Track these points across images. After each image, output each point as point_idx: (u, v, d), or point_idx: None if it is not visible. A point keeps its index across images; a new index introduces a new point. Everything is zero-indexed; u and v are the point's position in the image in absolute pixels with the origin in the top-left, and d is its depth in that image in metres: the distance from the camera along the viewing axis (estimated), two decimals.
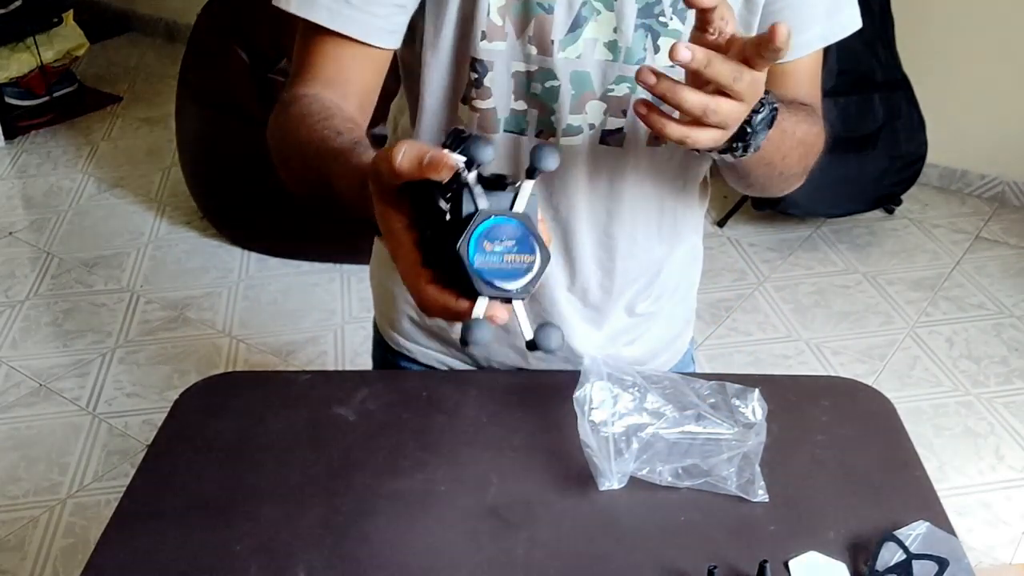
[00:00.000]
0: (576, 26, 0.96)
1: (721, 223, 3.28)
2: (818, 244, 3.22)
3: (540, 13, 0.96)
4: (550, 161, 0.62)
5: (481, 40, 0.97)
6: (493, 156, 0.61)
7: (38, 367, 2.69)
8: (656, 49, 0.98)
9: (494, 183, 0.62)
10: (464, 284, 0.61)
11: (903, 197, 3.28)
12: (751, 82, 0.78)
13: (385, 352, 1.27)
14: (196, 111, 3.08)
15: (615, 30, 0.97)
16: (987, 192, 3.44)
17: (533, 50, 0.98)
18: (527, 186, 0.62)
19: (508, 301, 0.62)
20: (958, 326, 2.83)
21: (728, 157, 0.91)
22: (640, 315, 1.19)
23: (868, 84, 3.07)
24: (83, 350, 2.75)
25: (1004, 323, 2.84)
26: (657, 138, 1.02)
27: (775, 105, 0.90)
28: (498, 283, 0.61)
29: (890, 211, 3.35)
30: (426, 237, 0.64)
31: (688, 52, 0.74)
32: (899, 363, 2.68)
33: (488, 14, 0.96)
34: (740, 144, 0.89)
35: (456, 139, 0.62)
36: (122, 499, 1.01)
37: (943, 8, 3.26)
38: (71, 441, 2.43)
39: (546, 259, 0.62)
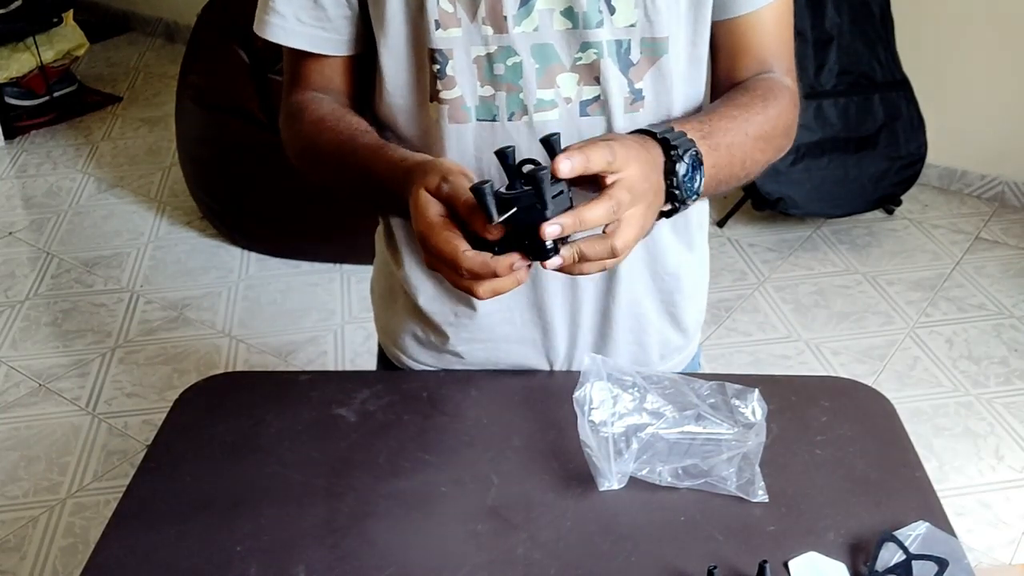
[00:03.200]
0: None
1: (721, 223, 3.28)
2: (818, 244, 3.22)
3: None
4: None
5: (436, 30, 0.97)
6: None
7: (38, 367, 2.69)
8: (612, 10, 0.96)
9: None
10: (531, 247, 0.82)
11: (903, 197, 3.28)
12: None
13: (387, 368, 1.25)
14: (196, 111, 3.08)
15: None
16: (987, 192, 3.44)
17: (489, 31, 0.97)
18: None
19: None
20: (958, 326, 2.83)
21: (678, 213, 0.92)
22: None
23: (868, 85, 3.07)
24: (83, 350, 2.75)
25: (1004, 323, 2.84)
26: (635, 100, 1.01)
27: (694, 150, 0.90)
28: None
29: (890, 211, 3.35)
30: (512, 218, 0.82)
31: (568, 163, 0.80)
32: (899, 363, 2.68)
33: (438, 2, 0.96)
34: (675, 203, 0.90)
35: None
36: (122, 499, 1.01)
37: (943, 9, 3.26)
38: (71, 441, 2.43)
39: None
